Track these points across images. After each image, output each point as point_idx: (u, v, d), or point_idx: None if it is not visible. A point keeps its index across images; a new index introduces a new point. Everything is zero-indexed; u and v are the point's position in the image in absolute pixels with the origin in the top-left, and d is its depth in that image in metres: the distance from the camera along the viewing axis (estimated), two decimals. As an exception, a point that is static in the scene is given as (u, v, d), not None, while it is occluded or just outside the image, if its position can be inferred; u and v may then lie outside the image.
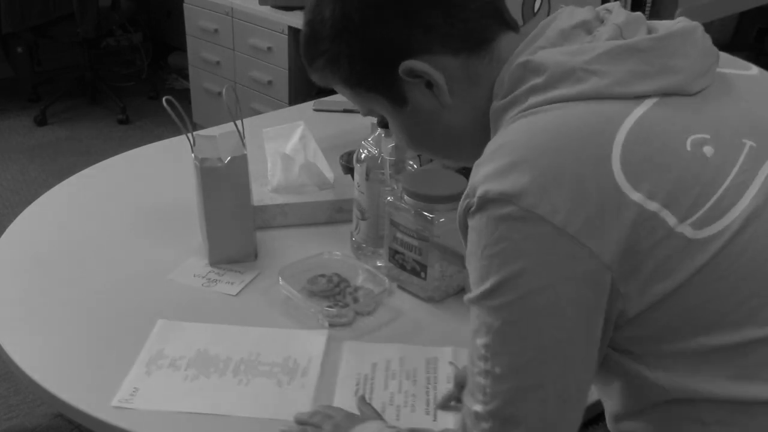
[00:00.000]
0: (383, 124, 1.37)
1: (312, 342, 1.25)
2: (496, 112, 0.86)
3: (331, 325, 1.28)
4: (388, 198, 1.35)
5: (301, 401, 1.12)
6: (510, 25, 0.91)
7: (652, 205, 0.74)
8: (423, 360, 1.21)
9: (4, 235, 1.53)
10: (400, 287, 1.38)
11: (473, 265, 0.79)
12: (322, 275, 1.37)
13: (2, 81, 4.66)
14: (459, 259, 1.35)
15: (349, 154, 1.71)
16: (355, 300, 1.33)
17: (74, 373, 1.17)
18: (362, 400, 1.11)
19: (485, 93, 0.89)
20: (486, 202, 0.76)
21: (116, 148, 2.01)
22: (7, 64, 4.62)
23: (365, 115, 1.02)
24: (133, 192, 1.71)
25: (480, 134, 0.90)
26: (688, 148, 0.77)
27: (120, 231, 1.55)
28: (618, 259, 0.74)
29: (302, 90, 3.44)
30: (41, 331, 1.26)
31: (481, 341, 0.79)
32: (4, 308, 1.32)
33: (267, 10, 3.46)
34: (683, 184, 0.75)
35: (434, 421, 1.10)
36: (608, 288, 0.75)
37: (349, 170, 1.67)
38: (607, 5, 0.90)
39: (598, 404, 1.13)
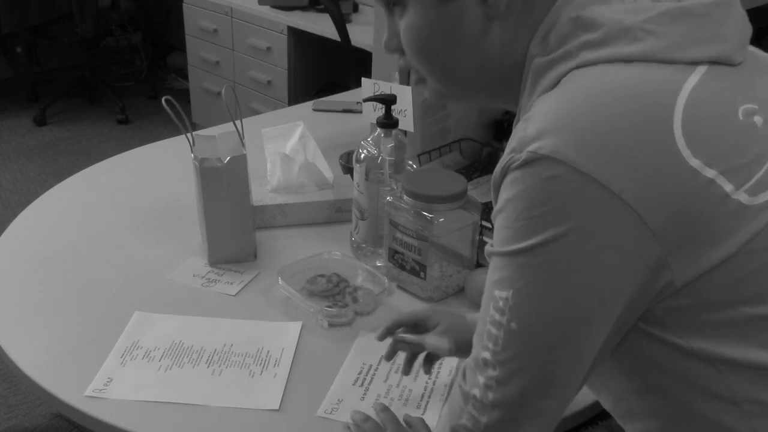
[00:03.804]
0: (384, 124, 1.38)
1: (285, 333, 1.26)
2: (540, 68, 0.81)
3: (331, 325, 1.28)
4: (388, 198, 1.35)
5: (272, 391, 1.14)
6: None
7: (710, 172, 0.72)
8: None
9: (3, 235, 1.53)
10: (400, 287, 1.38)
11: (506, 223, 0.75)
12: (322, 275, 1.37)
13: (1, 81, 4.66)
14: (458, 259, 1.35)
15: (349, 154, 1.71)
16: (355, 300, 1.33)
17: (73, 371, 1.17)
18: (409, 416, 1.08)
19: (528, 34, 0.84)
20: (536, 159, 0.72)
21: (115, 148, 2.01)
22: (6, 64, 4.62)
23: (389, 46, 0.91)
24: (132, 192, 1.71)
25: (508, 78, 0.85)
26: (740, 118, 0.76)
27: (119, 231, 1.55)
28: (670, 228, 0.72)
29: (301, 90, 3.45)
30: (40, 331, 1.26)
31: (500, 294, 0.76)
32: (4, 308, 1.31)
33: (266, 10, 3.47)
34: (739, 152, 0.74)
35: (423, 414, 1.10)
36: (654, 259, 0.73)
37: (348, 170, 1.67)
38: None
39: (596, 405, 1.13)
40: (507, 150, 0.76)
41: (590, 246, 0.72)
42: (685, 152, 0.72)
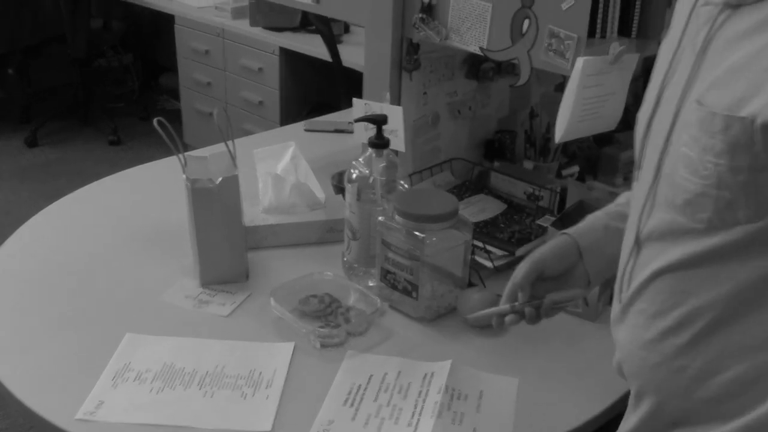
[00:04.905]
0: (375, 145, 1.39)
1: (277, 354, 1.26)
2: None
3: (323, 346, 1.28)
4: (380, 218, 1.35)
5: (265, 412, 1.13)
6: None
7: None
8: (420, 375, 1.21)
9: (-6, 257, 1.52)
10: (392, 307, 1.38)
11: None
12: (314, 295, 1.37)
13: (-7, 102, 4.66)
14: (450, 278, 1.35)
15: (340, 174, 1.71)
16: (347, 320, 1.32)
17: (64, 394, 1.16)
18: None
19: None
20: None
21: (107, 169, 2.01)
22: (-3, 85, 4.62)
23: None
24: (124, 213, 1.71)
25: None
26: None
27: (111, 252, 1.55)
28: None
29: (293, 110, 3.46)
30: (31, 353, 1.25)
31: None
32: (-6, 331, 1.31)
33: (258, 31, 3.48)
34: None
35: None
36: None
37: (340, 190, 1.67)
38: None
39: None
40: None
41: None
42: None
